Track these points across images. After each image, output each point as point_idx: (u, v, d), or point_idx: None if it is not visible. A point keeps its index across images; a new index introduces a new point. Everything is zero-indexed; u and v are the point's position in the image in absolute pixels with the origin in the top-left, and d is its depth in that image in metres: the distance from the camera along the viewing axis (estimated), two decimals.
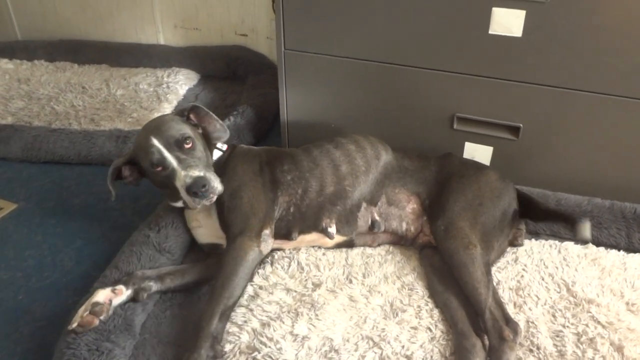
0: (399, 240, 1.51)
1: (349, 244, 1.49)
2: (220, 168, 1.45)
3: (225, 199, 1.40)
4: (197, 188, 1.30)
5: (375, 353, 1.20)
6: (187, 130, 1.39)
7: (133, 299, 1.31)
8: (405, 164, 1.54)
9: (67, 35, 2.85)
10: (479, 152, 1.70)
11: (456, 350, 1.20)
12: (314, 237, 1.46)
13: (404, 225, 1.48)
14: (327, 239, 1.46)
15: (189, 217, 1.51)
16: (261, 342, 1.21)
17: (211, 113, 1.48)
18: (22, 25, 2.93)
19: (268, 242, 1.37)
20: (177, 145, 1.35)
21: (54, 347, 1.20)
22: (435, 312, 1.31)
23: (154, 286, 1.34)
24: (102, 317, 1.22)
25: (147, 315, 1.33)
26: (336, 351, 1.20)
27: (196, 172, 1.32)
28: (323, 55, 1.74)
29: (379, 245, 1.51)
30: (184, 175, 1.31)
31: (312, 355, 1.19)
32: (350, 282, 1.39)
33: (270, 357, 1.18)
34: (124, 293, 1.29)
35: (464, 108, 1.66)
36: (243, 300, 1.34)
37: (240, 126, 2.07)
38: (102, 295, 1.25)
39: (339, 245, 1.49)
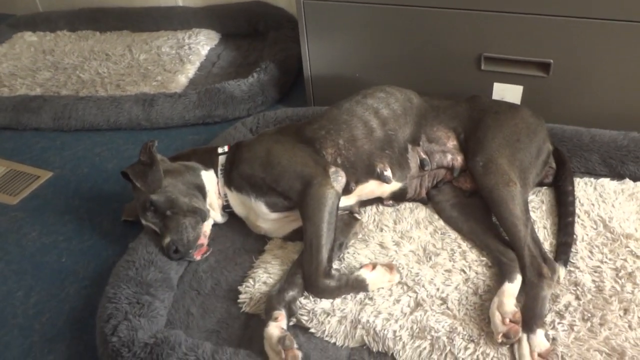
0: (449, 175, 1.45)
1: (402, 194, 1.43)
2: (230, 167, 1.40)
3: (260, 181, 1.33)
4: (170, 254, 1.30)
5: (410, 297, 1.21)
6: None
7: (290, 314, 1.19)
8: (435, 103, 1.50)
9: (87, 4, 2.85)
10: (508, 92, 1.66)
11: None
12: (371, 185, 1.40)
13: (449, 157, 1.43)
14: (384, 186, 1.40)
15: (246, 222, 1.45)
16: None
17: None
18: None
19: (339, 179, 1.30)
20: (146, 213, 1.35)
21: (98, 303, 1.25)
22: (469, 254, 1.30)
23: (294, 293, 1.21)
24: (295, 345, 1.09)
25: (185, 270, 1.36)
26: (370, 298, 1.21)
27: (165, 239, 1.31)
28: (342, 3, 1.69)
29: (428, 188, 1.46)
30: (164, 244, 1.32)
31: (347, 302, 1.20)
32: (381, 230, 1.40)
33: (306, 306, 1.20)
34: (282, 314, 1.16)
35: (491, 47, 1.61)
36: (279, 252, 1.36)
37: (264, 82, 2.05)
38: (275, 329, 1.12)
39: (393, 196, 1.43)
